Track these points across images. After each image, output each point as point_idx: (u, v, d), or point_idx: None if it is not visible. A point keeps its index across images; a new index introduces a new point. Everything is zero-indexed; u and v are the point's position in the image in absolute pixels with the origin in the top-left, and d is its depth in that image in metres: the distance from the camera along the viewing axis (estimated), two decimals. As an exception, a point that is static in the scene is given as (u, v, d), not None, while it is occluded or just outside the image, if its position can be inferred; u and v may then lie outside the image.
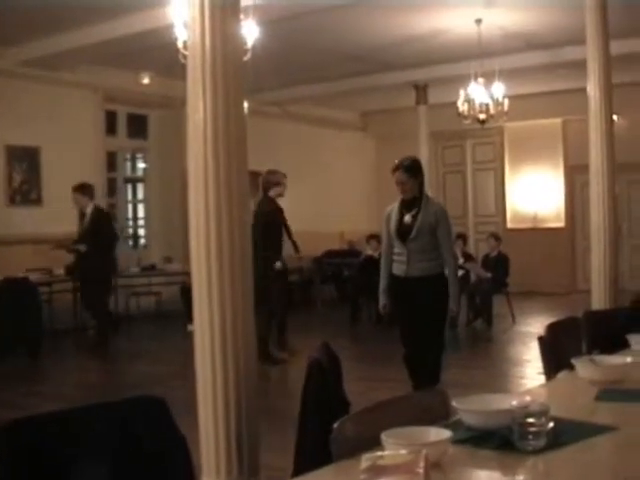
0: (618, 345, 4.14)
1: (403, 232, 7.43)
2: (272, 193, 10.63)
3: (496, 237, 14.48)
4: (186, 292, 11.10)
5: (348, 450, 2.48)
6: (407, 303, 7.56)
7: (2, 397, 8.71)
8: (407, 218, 7.42)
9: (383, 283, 7.71)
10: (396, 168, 7.51)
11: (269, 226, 10.33)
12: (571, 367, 3.67)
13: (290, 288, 11.84)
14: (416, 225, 7.36)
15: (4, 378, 9.96)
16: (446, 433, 2.47)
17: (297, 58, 14.01)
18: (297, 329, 12.34)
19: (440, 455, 2.39)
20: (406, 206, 7.49)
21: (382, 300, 7.74)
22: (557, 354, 4.17)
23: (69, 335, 12.92)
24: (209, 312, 4.72)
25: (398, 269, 7.54)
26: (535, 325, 12.51)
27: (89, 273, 11.93)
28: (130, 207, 17.21)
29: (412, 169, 7.47)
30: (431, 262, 7.41)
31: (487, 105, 13.31)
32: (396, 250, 7.53)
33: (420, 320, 7.45)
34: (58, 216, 13.69)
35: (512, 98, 13.62)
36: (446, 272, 7.48)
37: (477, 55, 12.74)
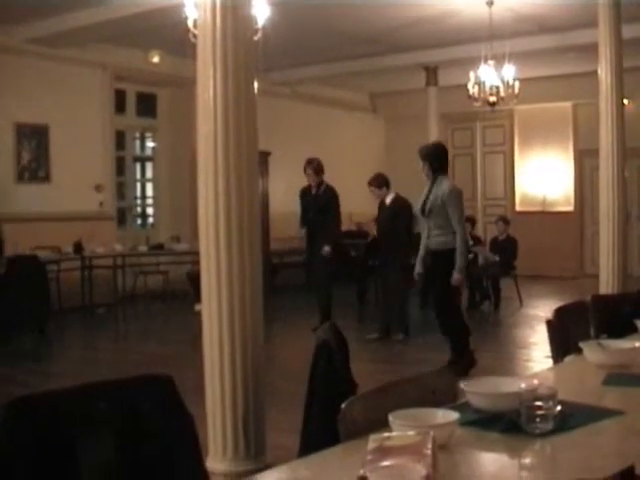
0: (626, 330, 4.13)
1: (422, 208, 8.36)
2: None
3: (505, 220, 14.46)
4: (193, 278, 11.09)
5: (355, 431, 2.48)
6: (427, 272, 8.54)
7: (9, 374, 8.74)
8: (429, 196, 8.33)
9: (420, 253, 8.56)
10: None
11: None
12: (579, 351, 3.66)
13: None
14: (429, 202, 8.24)
15: (12, 356, 9.99)
16: (453, 415, 2.47)
17: (307, 39, 13.97)
18: (304, 309, 12.36)
19: (447, 437, 2.39)
20: (430, 186, 8.37)
21: (417, 268, 8.62)
22: (565, 338, 4.16)
23: (77, 313, 12.94)
24: (217, 292, 4.73)
25: (426, 242, 8.45)
26: (543, 309, 12.50)
27: None
28: (139, 186, 17.18)
29: (421, 155, 8.44)
30: (445, 237, 8.21)
31: (497, 88, 13.26)
32: (422, 224, 8.55)
33: (433, 288, 8.58)
34: (66, 193, 13.71)
35: (522, 81, 13.56)
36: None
37: (488, 37, 12.68)
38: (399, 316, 10.56)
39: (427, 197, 8.29)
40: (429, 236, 8.37)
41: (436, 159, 8.34)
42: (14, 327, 10.85)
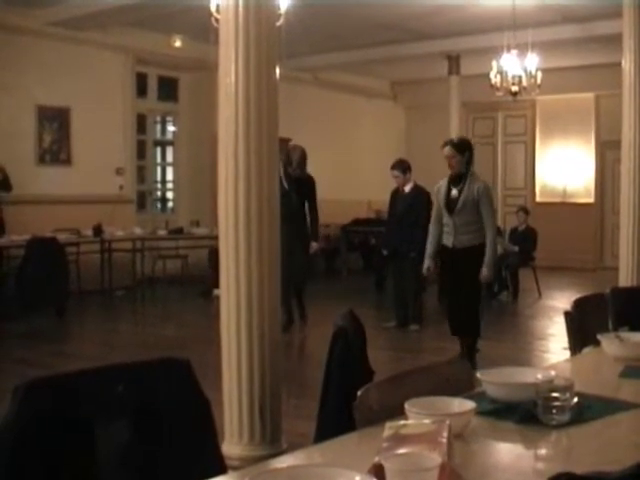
0: (645, 323, 4.11)
1: (450, 205, 8.07)
2: None
3: (525, 211, 14.44)
4: (214, 256, 11.15)
5: (371, 418, 2.49)
6: (452, 270, 8.27)
7: (27, 356, 8.79)
8: (454, 192, 8.07)
9: (430, 248, 8.39)
10: (445, 144, 8.21)
11: None
12: (597, 343, 3.65)
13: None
14: (461, 199, 7.98)
15: (30, 337, 10.05)
16: (470, 404, 2.47)
17: (330, 25, 13.93)
18: (323, 297, 12.37)
19: (463, 426, 2.39)
20: (453, 181, 8.12)
21: (427, 263, 8.44)
22: (583, 329, 4.15)
23: (95, 296, 13.00)
24: (235, 277, 4.73)
25: (446, 239, 8.19)
26: (561, 300, 12.48)
27: None
28: (159, 170, 17.24)
29: (459, 146, 8.12)
30: (474, 234, 8.03)
31: (520, 77, 13.21)
32: (444, 221, 8.18)
33: (462, 284, 8.14)
34: (87, 176, 13.77)
35: (545, 71, 13.51)
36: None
37: (511, 26, 12.62)
38: (414, 306, 10.56)
39: (458, 194, 8.02)
40: (455, 233, 8.08)
41: (471, 152, 8.15)
42: (33, 309, 10.90)
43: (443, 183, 8.22)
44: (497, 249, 8.25)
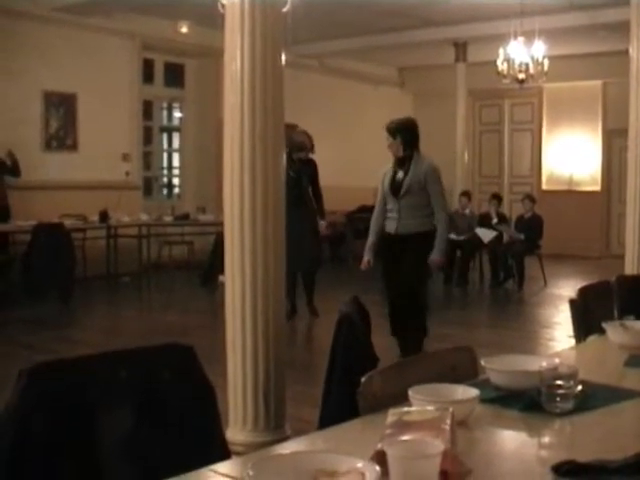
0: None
1: (395, 188, 7.74)
2: None
3: (531, 198, 14.40)
4: (220, 242, 11.14)
5: (374, 405, 2.49)
6: (394, 259, 7.82)
7: (31, 341, 8.80)
8: (399, 175, 7.76)
9: (370, 239, 7.97)
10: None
11: None
12: (602, 331, 3.65)
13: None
14: (406, 182, 7.67)
15: (35, 323, 10.05)
16: (473, 391, 2.46)
17: (336, 11, 13.88)
18: (328, 284, 12.34)
19: (467, 413, 2.39)
20: (399, 164, 7.83)
21: (367, 256, 7.96)
22: (588, 318, 4.14)
23: (101, 282, 13.02)
24: (240, 263, 4.73)
25: (389, 226, 7.81)
26: (566, 288, 12.46)
27: None
28: (165, 156, 17.22)
29: (391, 130, 7.88)
30: (422, 219, 7.71)
31: (527, 65, 13.18)
32: (389, 207, 7.82)
33: (405, 275, 7.73)
34: (93, 162, 13.76)
35: (552, 59, 13.48)
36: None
37: (518, 14, 12.59)
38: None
39: (403, 176, 7.70)
40: (399, 218, 7.70)
41: (409, 133, 7.85)
42: (38, 295, 10.92)
43: (388, 168, 7.95)
44: (447, 232, 7.89)
